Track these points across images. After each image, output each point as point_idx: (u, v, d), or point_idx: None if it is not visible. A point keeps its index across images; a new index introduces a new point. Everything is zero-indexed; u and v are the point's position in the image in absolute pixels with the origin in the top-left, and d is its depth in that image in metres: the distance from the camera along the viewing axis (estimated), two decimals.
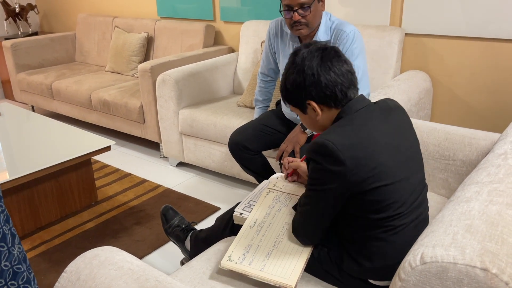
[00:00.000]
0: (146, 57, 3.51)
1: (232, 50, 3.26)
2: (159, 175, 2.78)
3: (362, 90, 1.89)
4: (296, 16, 1.78)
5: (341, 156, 0.99)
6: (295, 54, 1.17)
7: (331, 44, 1.86)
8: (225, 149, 2.54)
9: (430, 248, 0.65)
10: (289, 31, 1.92)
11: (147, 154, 3.11)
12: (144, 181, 2.69)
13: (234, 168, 2.54)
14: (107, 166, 2.91)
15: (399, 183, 1.04)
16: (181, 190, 2.58)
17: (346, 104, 1.13)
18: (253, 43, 2.90)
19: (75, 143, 2.30)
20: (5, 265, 1.03)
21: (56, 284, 0.93)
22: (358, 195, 1.03)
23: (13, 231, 1.07)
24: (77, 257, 0.96)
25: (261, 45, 2.81)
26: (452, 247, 0.62)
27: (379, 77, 2.46)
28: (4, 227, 1.03)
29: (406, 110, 2.11)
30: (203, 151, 2.65)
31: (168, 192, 2.55)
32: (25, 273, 1.09)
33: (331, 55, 1.12)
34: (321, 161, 1.03)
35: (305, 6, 1.76)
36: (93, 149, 2.25)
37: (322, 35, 1.89)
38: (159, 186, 2.63)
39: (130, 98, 2.95)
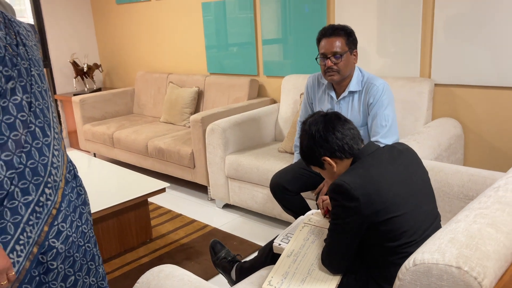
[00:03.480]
0: (196, 109, 3.87)
1: (274, 101, 3.55)
2: (207, 216, 3.03)
3: (392, 136, 2.09)
4: (329, 63, 2.04)
5: (355, 193, 1.19)
6: (304, 123, 1.42)
7: (362, 95, 2.10)
8: (267, 191, 2.75)
9: (420, 254, 0.83)
10: (325, 82, 2.18)
11: (196, 196, 3.38)
12: (193, 221, 2.94)
13: (275, 209, 2.74)
14: (160, 207, 3.19)
15: (409, 213, 1.22)
16: (227, 230, 2.80)
17: (355, 153, 1.34)
18: (293, 94, 3.18)
19: (134, 186, 2.60)
20: (92, 281, 1.28)
21: None
22: (374, 226, 1.22)
23: (99, 254, 1.33)
24: (147, 272, 1.19)
25: (300, 97, 3.08)
26: (436, 252, 0.80)
27: (410, 124, 2.63)
28: (94, 248, 1.29)
29: (436, 154, 2.28)
30: (247, 193, 2.88)
31: (215, 231, 2.78)
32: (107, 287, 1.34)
33: (332, 118, 1.37)
34: (339, 199, 1.23)
35: (338, 55, 2.02)
36: (150, 190, 2.54)
37: (354, 86, 2.13)
38: (207, 225, 2.86)
39: (182, 145, 3.27)
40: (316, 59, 2.12)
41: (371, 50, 2.88)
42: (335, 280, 1.38)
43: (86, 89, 4.86)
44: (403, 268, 0.84)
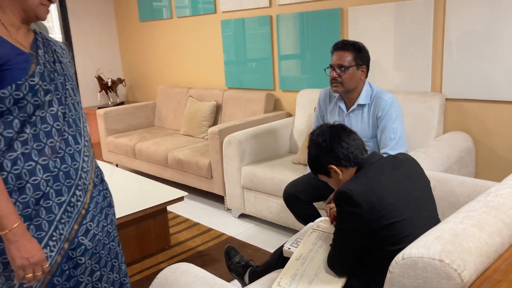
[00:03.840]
0: (214, 122, 4.01)
1: (289, 115, 3.66)
2: (223, 225, 3.13)
3: (400, 148, 2.16)
4: (334, 74, 2.15)
5: (357, 199, 1.28)
6: (311, 134, 1.53)
7: (371, 109, 2.20)
8: (281, 202, 2.84)
9: (408, 249, 0.92)
10: (336, 95, 2.28)
11: (213, 206, 3.49)
12: (210, 229, 3.05)
13: (289, 219, 2.82)
14: (179, 216, 3.31)
15: (409, 219, 1.30)
16: (242, 238, 2.89)
17: (359, 163, 1.43)
18: (308, 108, 3.28)
19: (153, 194, 2.73)
20: (116, 277, 1.40)
21: (151, 285, 1.27)
22: (376, 231, 1.30)
23: (122, 253, 1.45)
24: (165, 268, 1.30)
25: (314, 110, 3.18)
26: (422, 248, 0.89)
27: (421, 137, 2.70)
28: (117, 247, 1.41)
29: (446, 167, 2.34)
30: (262, 203, 2.98)
31: (231, 240, 2.87)
32: (128, 284, 1.45)
33: (338, 129, 1.47)
34: (342, 205, 1.33)
35: (343, 67, 2.13)
36: (169, 199, 2.66)
37: (362, 99, 2.22)
38: (223, 234, 2.96)
39: (201, 157, 3.40)
40: (325, 70, 2.23)
41: (384, 66, 2.97)
42: (340, 282, 1.46)
43: (109, 103, 5.06)
44: (393, 262, 0.93)
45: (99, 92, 5.03)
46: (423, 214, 1.35)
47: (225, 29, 3.98)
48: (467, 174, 2.61)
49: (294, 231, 2.94)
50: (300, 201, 2.37)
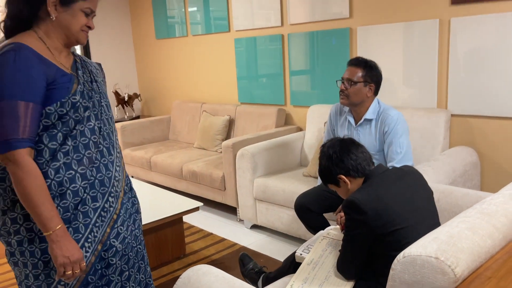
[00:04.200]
0: (227, 136, 4.15)
1: (299, 129, 3.79)
2: (236, 235, 3.24)
3: (406, 162, 2.27)
4: (342, 86, 2.29)
5: (364, 208, 1.40)
6: (322, 146, 1.66)
7: (378, 124, 2.32)
8: (293, 213, 2.95)
9: (408, 249, 1.03)
10: (347, 109, 2.42)
11: (225, 217, 3.61)
12: (223, 239, 3.16)
13: (300, 229, 2.93)
14: (193, 226, 3.44)
15: (412, 226, 1.41)
16: (254, 248, 3.00)
17: (367, 173, 1.55)
18: (318, 123, 3.41)
19: (170, 205, 2.86)
20: (142, 277, 1.53)
21: (175, 285, 1.39)
22: (381, 237, 1.41)
23: (147, 256, 1.57)
24: (188, 269, 1.42)
25: (324, 125, 3.30)
26: (420, 247, 1.00)
27: (428, 152, 2.80)
28: (143, 250, 1.54)
29: (451, 180, 2.45)
30: (274, 214, 3.09)
31: (243, 249, 2.98)
32: (152, 285, 1.57)
33: (348, 142, 1.61)
34: (350, 213, 1.44)
35: (351, 81, 2.26)
36: (185, 209, 2.79)
37: (369, 114, 2.35)
38: (236, 244, 3.07)
39: (214, 169, 3.54)
40: (336, 81, 2.38)
41: (391, 83, 3.10)
42: (348, 285, 1.57)
43: (126, 117, 5.24)
44: (395, 260, 1.04)
45: (116, 106, 5.21)
46: (426, 221, 1.46)
47: (238, 47, 4.15)
48: (473, 187, 2.70)
49: (304, 242, 3.03)
50: (311, 211, 2.48)
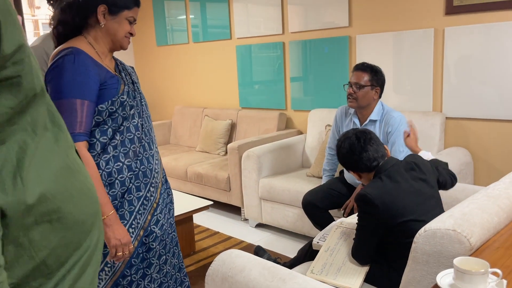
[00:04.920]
0: (230, 139, 4.29)
1: (300, 132, 3.95)
2: (241, 234, 3.38)
3: None
4: (350, 90, 2.46)
5: (375, 201, 1.56)
6: (338, 140, 1.81)
7: (382, 125, 2.49)
8: (297, 211, 3.11)
9: (428, 224, 1.20)
10: (352, 111, 2.59)
11: (230, 217, 3.74)
12: (230, 237, 3.29)
13: (305, 227, 3.08)
14: (199, 225, 3.56)
15: (420, 217, 1.57)
16: (261, 245, 3.13)
17: (381, 162, 1.71)
18: (318, 126, 3.58)
19: (181, 204, 2.99)
20: (176, 262, 1.66)
21: (209, 268, 1.53)
22: (392, 228, 1.58)
23: (178, 242, 1.71)
24: (221, 253, 1.56)
25: (325, 128, 3.48)
26: (438, 223, 1.16)
27: None
28: (176, 237, 1.68)
29: None
30: (279, 213, 3.24)
31: (250, 246, 3.12)
32: (184, 270, 1.71)
33: (362, 132, 1.76)
34: (362, 206, 1.61)
35: (359, 85, 2.43)
36: (196, 207, 2.92)
37: (374, 116, 2.52)
38: (243, 241, 3.21)
39: (219, 171, 3.67)
40: (344, 86, 2.55)
41: (389, 87, 3.29)
42: (364, 270, 1.72)
43: None
44: (417, 235, 1.20)
45: None
46: (433, 211, 1.63)
47: (239, 54, 4.31)
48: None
49: (309, 238, 3.18)
50: (318, 208, 2.64)
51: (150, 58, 5.42)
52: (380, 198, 1.57)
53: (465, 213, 1.18)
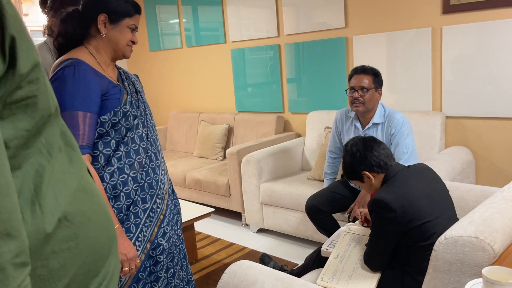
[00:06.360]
0: (227, 144, 4.25)
1: (298, 135, 3.92)
2: (243, 239, 3.33)
3: (412, 161, 2.42)
4: (356, 95, 2.42)
5: (392, 206, 1.53)
6: (346, 146, 1.78)
7: (385, 127, 2.46)
8: (300, 215, 3.07)
9: (449, 231, 1.16)
10: (352, 115, 2.55)
11: (230, 223, 3.70)
12: (232, 244, 3.25)
13: (308, 231, 3.04)
14: (200, 233, 3.51)
15: (435, 219, 1.54)
16: (264, 251, 3.09)
17: (388, 169, 1.69)
18: (317, 129, 3.55)
19: (182, 212, 2.92)
20: (184, 274, 1.61)
21: (220, 280, 1.48)
22: (408, 231, 1.54)
23: (187, 254, 1.66)
24: (232, 264, 1.52)
25: (324, 130, 3.45)
26: (460, 229, 1.13)
27: (426, 152, 2.97)
28: (185, 249, 1.63)
29: (451, 177, 2.61)
30: (281, 217, 3.20)
31: (253, 252, 3.08)
32: (193, 282, 1.66)
33: (369, 140, 1.73)
34: (379, 211, 1.57)
35: (365, 89, 2.40)
36: (198, 215, 2.87)
37: (377, 119, 2.49)
38: (245, 247, 3.16)
39: (219, 176, 3.63)
40: (346, 91, 2.51)
41: (388, 87, 3.27)
42: (376, 276, 1.69)
43: None
44: (437, 242, 1.17)
45: None
46: (447, 213, 1.60)
47: (235, 57, 4.27)
48: (469, 183, 2.87)
49: (312, 243, 3.15)
50: (321, 212, 2.60)
51: (143, 64, 5.36)
52: (397, 202, 1.54)
53: (486, 219, 1.15)
